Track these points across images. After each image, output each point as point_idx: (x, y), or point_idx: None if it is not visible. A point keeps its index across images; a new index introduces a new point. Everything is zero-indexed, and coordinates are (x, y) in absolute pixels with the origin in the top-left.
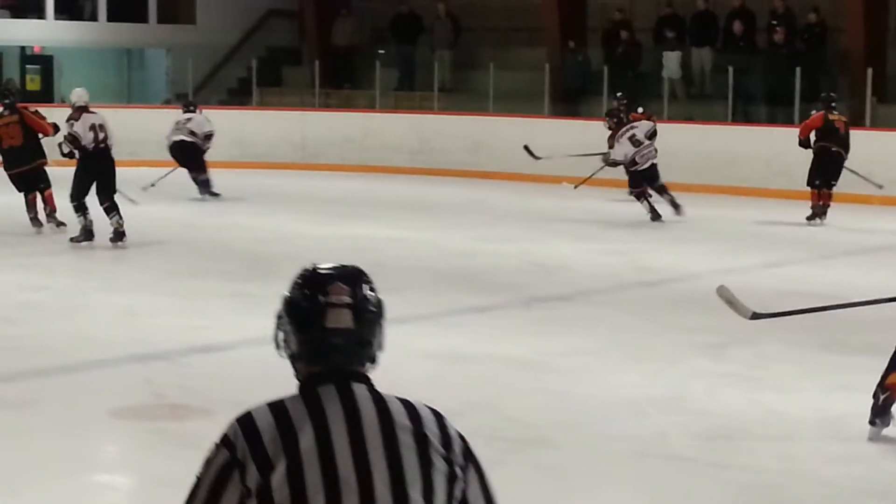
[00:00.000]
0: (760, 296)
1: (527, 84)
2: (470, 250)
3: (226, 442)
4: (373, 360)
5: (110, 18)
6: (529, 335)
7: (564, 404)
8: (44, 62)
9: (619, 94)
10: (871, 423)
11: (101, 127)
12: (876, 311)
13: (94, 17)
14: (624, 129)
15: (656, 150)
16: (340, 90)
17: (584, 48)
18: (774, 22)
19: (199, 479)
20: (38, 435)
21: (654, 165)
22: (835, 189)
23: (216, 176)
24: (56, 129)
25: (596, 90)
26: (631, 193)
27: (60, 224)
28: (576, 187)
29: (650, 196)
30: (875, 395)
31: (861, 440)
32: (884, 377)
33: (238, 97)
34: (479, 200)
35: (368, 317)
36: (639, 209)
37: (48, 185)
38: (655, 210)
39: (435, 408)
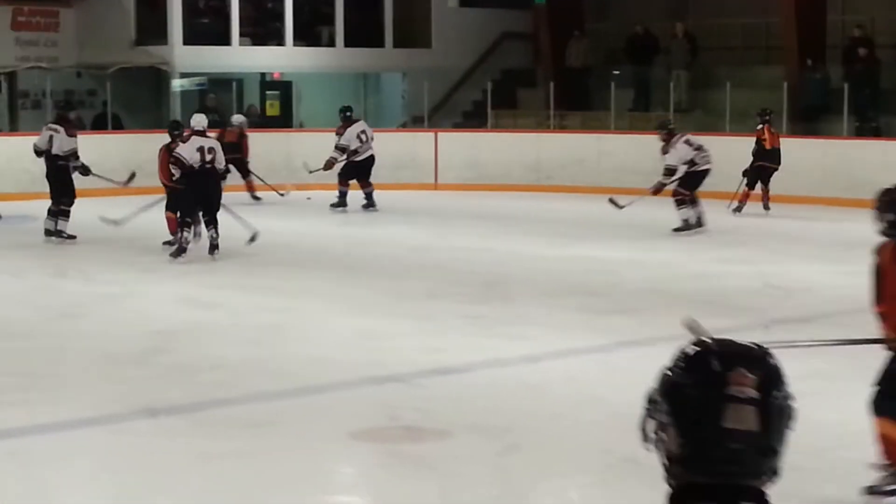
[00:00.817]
0: None
1: (764, 103)
2: (707, 272)
3: None
4: (775, 473)
5: (347, 44)
6: None
7: (804, 429)
8: (283, 88)
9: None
10: None
11: (210, 150)
12: None
13: (331, 43)
14: (676, 137)
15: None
16: (575, 111)
17: (822, 66)
18: None
19: None
20: (277, 456)
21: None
22: None
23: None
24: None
25: (835, 108)
26: (676, 196)
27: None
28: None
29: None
30: None
31: None
32: None
33: (473, 119)
34: (717, 221)
35: (777, 417)
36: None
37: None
38: (700, 218)
39: None
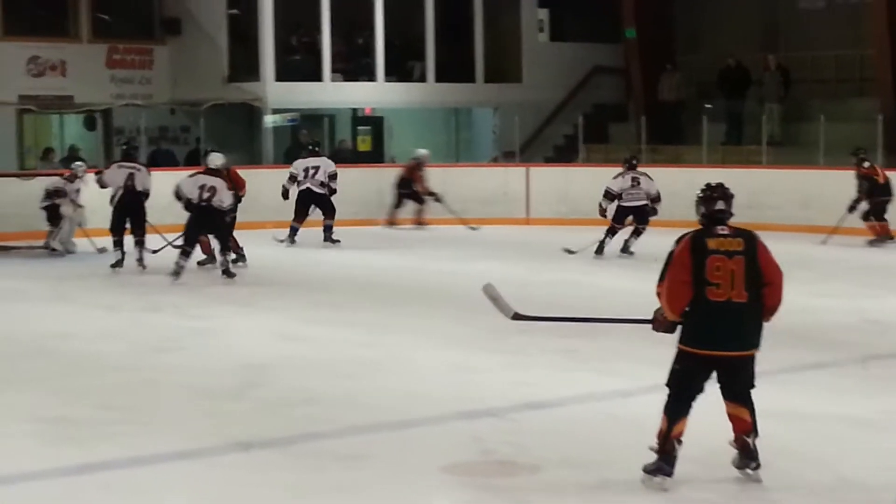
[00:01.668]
0: None
1: (859, 136)
2: (803, 306)
3: None
4: None
5: (438, 79)
6: (867, 393)
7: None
8: (374, 123)
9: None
10: None
11: (211, 188)
12: None
13: (422, 79)
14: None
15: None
16: (667, 145)
17: None
18: None
19: None
20: (368, 490)
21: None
22: None
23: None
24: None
25: None
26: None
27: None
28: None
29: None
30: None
31: None
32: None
33: (564, 154)
34: (811, 255)
35: None
36: None
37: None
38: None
39: None
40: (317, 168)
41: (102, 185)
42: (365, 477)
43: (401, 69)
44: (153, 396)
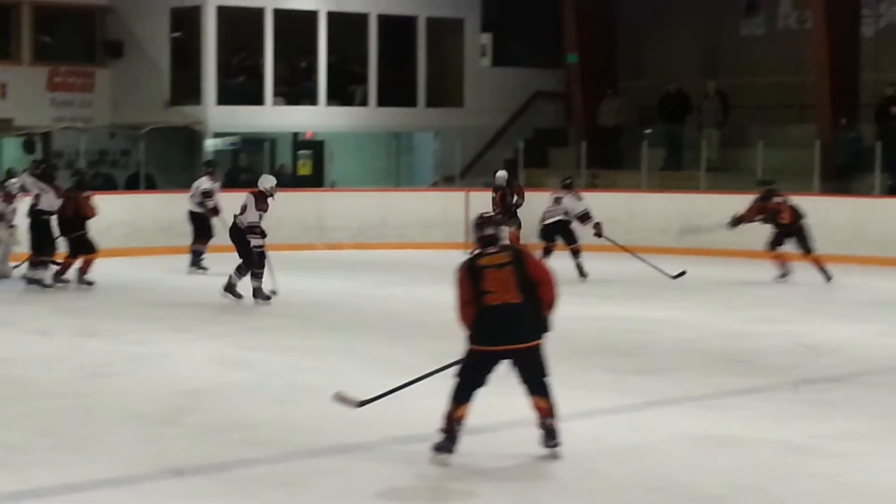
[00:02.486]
0: None
1: (796, 161)
2: (737, 332)
3: None
4: None
5: (380, 103)
6: (799, 418)
7: (836, 491)
8: (315, 147)
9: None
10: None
11: (243, 207)
12: None
13: (364, 103)
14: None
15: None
16: (607, 170)
17: (855, 124)
18: None
19: None
20: None
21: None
22: None
23: None
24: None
25: (868, 167)
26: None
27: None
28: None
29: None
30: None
31: None
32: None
33: None
34: (747, 280)
35: None
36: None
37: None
38: None
39: None
40: (197, 188)
41: (46, 212)
42: (299, 503)
43: (343, 93)
44: (88, 422)
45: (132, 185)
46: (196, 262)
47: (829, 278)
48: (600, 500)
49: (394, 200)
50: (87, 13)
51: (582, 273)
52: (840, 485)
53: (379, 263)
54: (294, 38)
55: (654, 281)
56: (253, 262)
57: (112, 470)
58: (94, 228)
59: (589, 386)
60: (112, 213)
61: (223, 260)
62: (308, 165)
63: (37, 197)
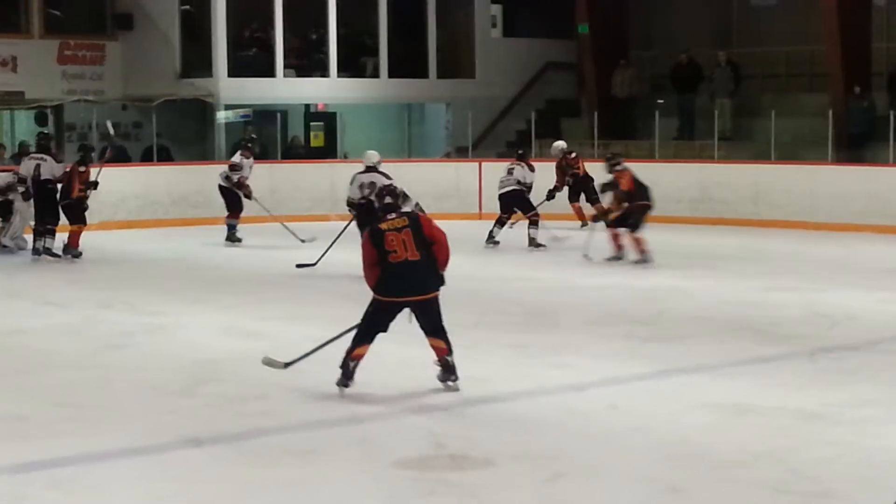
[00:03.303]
0: None
1: (809, 131)
2: (753, 300)
3: None
4: None
5: (391, 75)
6: (815, 386)
7: (852, 457)
8: (327, 119)
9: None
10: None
11: (371, 185)
12: None
13: (375, 74)
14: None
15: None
16: (619, 140)
17: (868, 93)
18: None
19: None
20: (321, 485)
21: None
22: None
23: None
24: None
25: (881, 135)
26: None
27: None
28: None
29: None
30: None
31: None
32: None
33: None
34: (762, 250)
35: None
36: None
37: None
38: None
39: None
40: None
41: (21, 180)
42: (317, 472)
43: (354, 65)
44: (105, 393)
45: (147, 157)
46: (231, 236)
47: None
48: (618, 468)
49: (406, 171)
50: None
51: (533, 244)
52: (857, 451)
53: None
54: (304, 9)
55: (668, 249)
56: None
57: (130, 440)
58: (109, 201)
59: (604, 354)
60: (125, 185)
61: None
62: (320, 137)
63: (37, 167)
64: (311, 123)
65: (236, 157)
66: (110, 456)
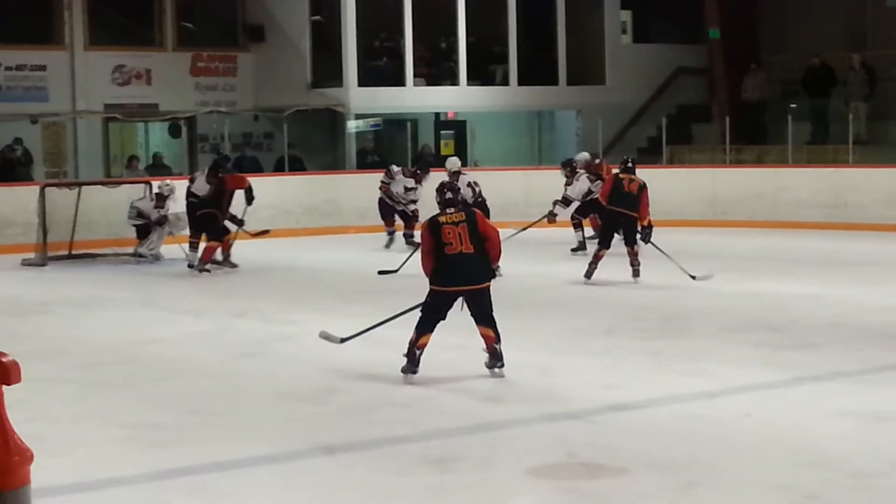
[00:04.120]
0: None
1: None
2: (889, 306)
3: None
4: None
5: (521, 82)
6: None
7: None
8: (457, 127)
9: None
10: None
11: (476, 183)
12: None
13: (505, 82)
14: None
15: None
16: (751, 146)
17: None
18: None
19: None
20: (454, 493)
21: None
22: None
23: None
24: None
25: None
26: (574, 220)
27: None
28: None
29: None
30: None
31: None
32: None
33: (648, 156)
34: None
35: None
36: None
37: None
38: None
39: None
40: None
41: (195, 195)
42: (451, 480)
43: (483, 73)
44: (237, 401)
45: (279, 167)
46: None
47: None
48: (753, 477)
49: (536, 179)
50: None
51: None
52: None
53: (522, 241)
54: (433, 18)
55: (801, 256)
56: None
57: (262, 448)
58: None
59: (738, 362)
60: (257, 195)
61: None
62: (451, 145)
63: (191, 181)
64: (441, 132)
65: (410, 182)
66: (244, 463)
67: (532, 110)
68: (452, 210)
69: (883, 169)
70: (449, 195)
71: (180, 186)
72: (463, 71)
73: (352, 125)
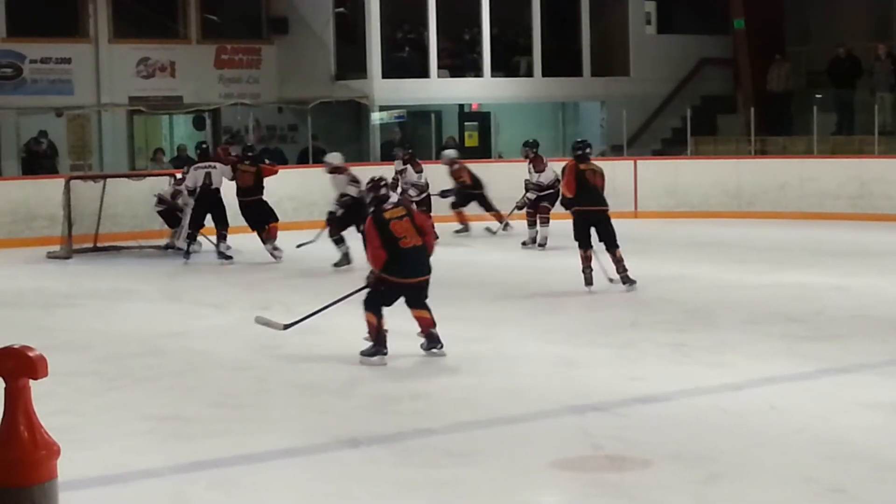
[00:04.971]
0: None
1: None
2: None
3: None
4: None
5: (545, 74)
6: None
7: None
8: (481, 119)
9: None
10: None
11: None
12: None
13: (529, 73)
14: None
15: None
16: (776, 137)
17: None
18: None
19: None
20: (479, 485)
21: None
22: None
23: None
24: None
25: None
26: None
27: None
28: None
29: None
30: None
31: None
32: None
33: (672, 147)
34: None
35: None
36: None
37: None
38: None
39: None
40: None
41: (189, 191)
42: (476, 473)
43: (507, 64)
44: (262, 394)
45: (303, 159)
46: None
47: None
48: (778, 469)
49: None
50: None
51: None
52: None
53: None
54: (457, 9)
55: (826, 247)
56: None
57: (288, 440)
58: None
59: (762, 354)
60: (281, 187)
61: None
62: (475, 137)
63: (207, 176)
64: (465, 123)
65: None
66: (269, 456)
67: (556, 101)
68: (390, 205)
69: None
70: (384, 191)
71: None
72: (487, 62)
73: (376, 117)
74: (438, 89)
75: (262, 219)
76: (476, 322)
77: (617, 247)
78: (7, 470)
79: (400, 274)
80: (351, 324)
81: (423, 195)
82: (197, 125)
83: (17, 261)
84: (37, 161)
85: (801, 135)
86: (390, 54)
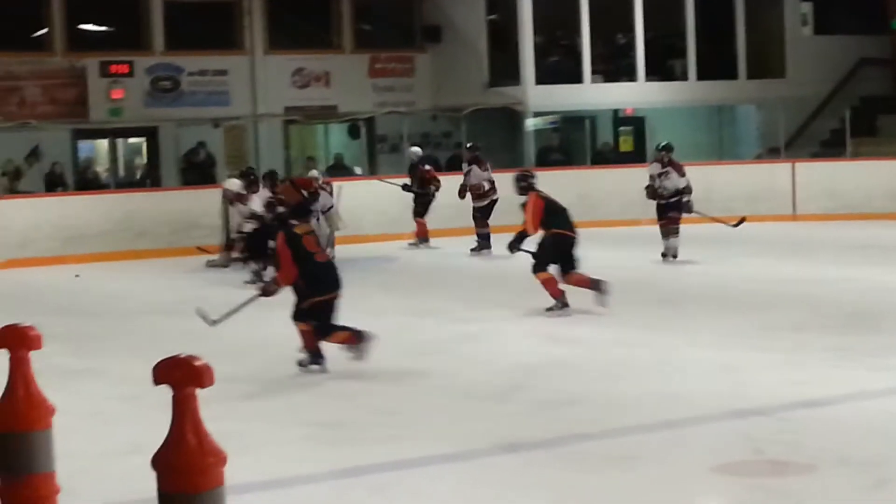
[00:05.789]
0: None
1: None
2: None
3: None
4: None
5: (700, 77)
6: None
7: None
8: (636, 123)
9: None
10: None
11: None
12: None
13: (684, 77)
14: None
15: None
16: None
17: None
18: None
19: None
20: (639, 490)
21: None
22: None
23: None
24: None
25: None
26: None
27: None
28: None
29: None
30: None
31: None
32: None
33: (831, 148)
34: None
35: None
36: None
37: None
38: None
39: None
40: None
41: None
42: (636, 478)
43: (662, 68)
44: (420, 400)
45: (455, 166)
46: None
47: None
48: None
49: (717, 174)
50: (405, 0)
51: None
52: None
53: (704, 237)
54: (610, 14)
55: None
56: None
57: (446, 446)
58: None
59: None
60: (438, 194)
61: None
62: (629, 142)
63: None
64: (620, 128)
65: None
66: (428, 462)
67: (711, 105)
68: (297, 222)
69: None
70: (281, 209)
71: (349, 187)
72: (641, 67)
73: (530, 123)
74: (592, 94)
75: None
76: (636, 326)
77: (574, 269)
78: (175, 477)
79: (324, 290)
80: (505, 329)
81: (490, 191)
82: (352, 134)
83: (178, 270)
84: (196, 171)
85: None
86: (543, 60)
